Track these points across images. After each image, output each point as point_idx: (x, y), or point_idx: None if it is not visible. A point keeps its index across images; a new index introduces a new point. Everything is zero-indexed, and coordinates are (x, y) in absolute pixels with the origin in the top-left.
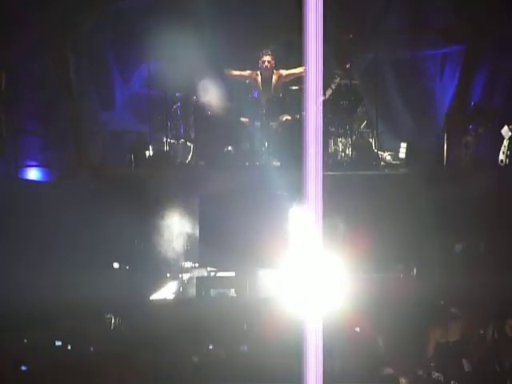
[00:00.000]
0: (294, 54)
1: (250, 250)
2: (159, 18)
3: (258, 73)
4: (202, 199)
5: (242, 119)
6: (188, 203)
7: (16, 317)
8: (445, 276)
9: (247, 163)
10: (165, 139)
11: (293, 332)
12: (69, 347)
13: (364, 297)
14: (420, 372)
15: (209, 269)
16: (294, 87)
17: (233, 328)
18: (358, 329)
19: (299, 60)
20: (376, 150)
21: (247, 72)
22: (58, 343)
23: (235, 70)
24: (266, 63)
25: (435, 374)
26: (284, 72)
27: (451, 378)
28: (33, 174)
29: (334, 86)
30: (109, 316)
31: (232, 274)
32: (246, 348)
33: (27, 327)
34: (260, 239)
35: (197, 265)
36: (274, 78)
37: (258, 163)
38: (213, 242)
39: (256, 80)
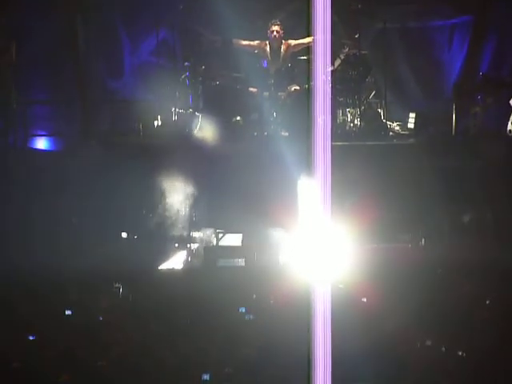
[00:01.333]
0: (302, 23)
1: (259, 213)
2: None
3: (267, 43)
4: (210, 166)
5: (251, 89)
6: (197, 172)
7: (25, 285)
8: (453, 246)
9: (256, 133)
10: (173, 109)
11: (300, 302)
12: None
13: (372, 267)
14: (428, 343)
15: (217, 230)
16: (302, 57)
17: (241, 298)
18: (364, 299)
19: (307, 30)
20: (384, 120)
21: (256, 42)
22: (68, 312)
23: (244, 39)
24: (275, 33)
25: (442, 346)
26: (292, 42)
27: (459, 349)
28: (41, 143)
29: (342, 56)
30: (117, 285)
31: (239, 235)
32: (251, 317)
33: (36, 296)
34: (268, 206)
35: (205, 234)
36: (283, 48)
37: (266, 133)
38: (221, 205)
39: (265, 50)
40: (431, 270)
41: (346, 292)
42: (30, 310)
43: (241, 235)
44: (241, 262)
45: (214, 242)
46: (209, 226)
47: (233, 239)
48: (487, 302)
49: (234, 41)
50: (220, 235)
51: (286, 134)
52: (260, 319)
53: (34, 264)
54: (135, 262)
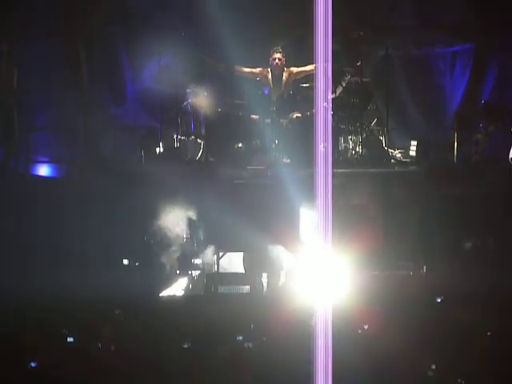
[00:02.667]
0: (304, 50)
1: (261, 239)
2: (170, 13)
3: (269, 70)
4: (212, 193)
5: (253, 116)
6: (199, 200)
7: (25, 311)
8: (454, 273)
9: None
10: (175, 135)
11: (302, 329)
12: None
13: (373, 294)
14: (428, 371)
15: (219, 253)
16: (304, 84)
17: (240, 326)
18: (366, 326)
19: (309, 57)
20: (386, 148)
21: (258, 69)
22: (70, 339)
23: (246, 67)
24: (277, 60)
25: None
26: (294, 69)
27: (459, 377)
28: (43, 169)
29: (344, 84)
30: (118, 312)
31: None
32: (250, 345)
33: (36, 322)
34: (270, 232)
35: (207, 260)
36: (285, 75)
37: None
38: (223, 232)
39: (266, 77)
40: (432, 297)
41: (347, 319)
42: (31, 337)
43: (242, 266)
44: (242, 288)
45: (216, 269)
46: (210, 252)
47: (235, 264)
48: (488, 330)
49: (237, 68)
50: (221, 260)
51: (288, 160)
52: (259, 347)
53: (35, 290)
54: (136, 289)
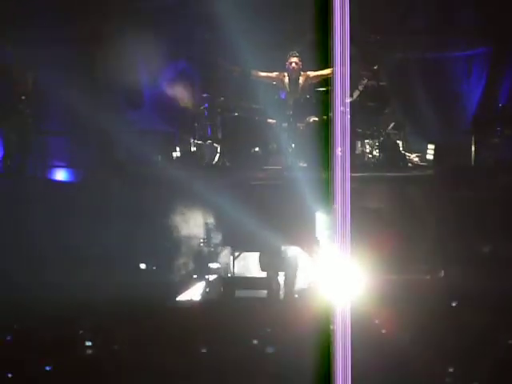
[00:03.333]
0: (320, 54)
1: (278, 243)
2: (187, 17)
3: (285, 74)
4: (229, 196)
5: (269, 120)
6: (215, 202)
7: (43, 315)
8: (472, 277)
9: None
10: (192, 140)
11: (320, 332)
12: (93, 346)
13: (390, 298)
14: (445, 376)
15: (235, 254)
16: (321, 88)
17: (258, 330)
18: (384, 331)
19: (326, 61)
20: (403, 152)
21: (274, 73)
22: (88, 343)
23: (262, 71)
24: (294, 64)
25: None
26: (311, 73)
27: (476, 379)
28: (59, 174)
29: (361, 88)
30: (135, 316)
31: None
32: (268, 349)
33: (52, 327)
34: (288, 236)
35: (223, 266)
36: (302, 79)
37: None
38: (241, 236)
39: (283, 81)
40: (449, 301)
41: (365, 323)
42: (46, 341)
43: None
44: (259, 292)
45: (232, 272)
46: (227, 256)
47: (251, 267)
48: (505, 335)
49: (253, 72)
50: (238, 263)
51: (305, 164)
52: (277, 352)
53: (51, 294)
54: (153, 293)
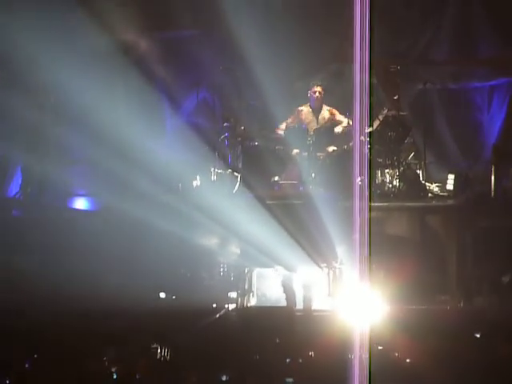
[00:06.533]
0: (341, 84)
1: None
2: (207, 48)
3: (301, 108)
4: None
5: (294, 151)
6: (234, 232)
7: (63, 343)
8: (493, 308)
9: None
10: (212, 169)
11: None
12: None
13: (410, 328)
14: None
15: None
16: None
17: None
18: (408, 360)
19: (347, 91)
20: (424, 181)
21: (289, 119)
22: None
23: (281, 123)
24: (317, 94)
25: None
26: (337, 115)
27: None
28: (80, 202)
29: (381, 117)
30: (155, 346)
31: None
32: (291, 380)
33: (73, 357)
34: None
35: (242, 295)
36: (326, 112)
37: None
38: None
39: (300, 114)
40: (470, 332)
41: (385, 353)
42: (69, 369)
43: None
44: (279, 322)
45: (251, 299)
46: (246, 285)
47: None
48: None
49: (276, 135)
50: (258, 283)
51: (325, 194)
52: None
53: (71, 322)
54: (173, 323)
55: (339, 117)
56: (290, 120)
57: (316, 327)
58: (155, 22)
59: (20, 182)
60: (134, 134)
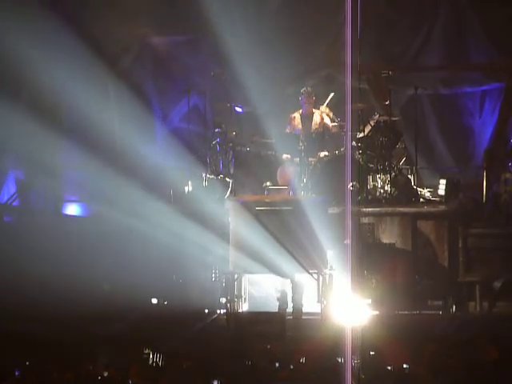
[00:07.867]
0: (332, 89)
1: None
2: (198, 53)
3: (295, 114)
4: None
5: (284, 155)
6: (226, 235)
7: (54, 350)
8: (484, 313)
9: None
10: (204, 174)
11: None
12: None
13: (402, 333)
14: None
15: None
16: (332, 123)
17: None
18: (399, 365)
19: (337, 94)
20: (415, 187)
21: (288, 128)
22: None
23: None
24: (308, 99)
25: None
26: (328, 122)
27: None
28: (72, 208)
29: (373, 123)
30: (146, 352)
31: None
32: None
33: (65, 362)
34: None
35: (233, 300)
36: (318, 117)
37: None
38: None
39: (292, 120)
40: (460, 336)
41: (376, 359)
42: (60, 375)
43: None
44: (270, 328)
45: (243, 309)
46: (239, 289)
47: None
48: None
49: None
50: (250, 288)
51: (317, 199)
52: None
53: (63, 327)
54: (165, 328)
55: (330, 124)
56: (287, 130)
57: (307, 333)
58: (147, 28)
59: (12, 188)
60: (126, 141)
